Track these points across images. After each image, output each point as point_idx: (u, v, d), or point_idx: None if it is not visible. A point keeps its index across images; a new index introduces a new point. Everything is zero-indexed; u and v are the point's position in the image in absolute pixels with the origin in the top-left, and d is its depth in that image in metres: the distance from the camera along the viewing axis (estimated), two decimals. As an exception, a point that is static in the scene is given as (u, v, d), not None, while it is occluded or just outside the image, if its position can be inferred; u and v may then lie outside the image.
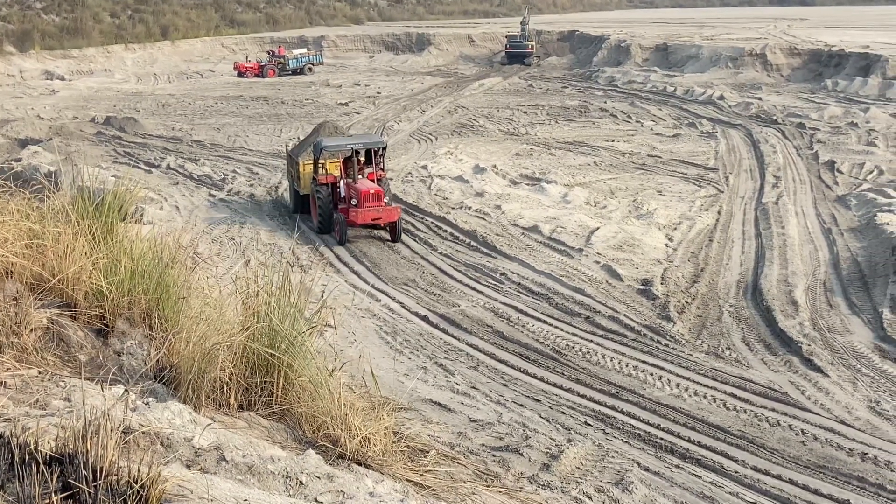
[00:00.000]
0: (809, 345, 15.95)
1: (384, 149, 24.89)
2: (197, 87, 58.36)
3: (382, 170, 24.76)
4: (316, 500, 4.56)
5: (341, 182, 24.02)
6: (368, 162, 24.59)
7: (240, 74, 63.30)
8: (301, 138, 37.47)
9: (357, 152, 24.22)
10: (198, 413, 6.35)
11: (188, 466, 4.39)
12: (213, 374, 7.47)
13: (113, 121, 41.85)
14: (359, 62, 70.14)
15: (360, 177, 23.90)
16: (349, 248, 22.70)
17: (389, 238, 23.38)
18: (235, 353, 7.96)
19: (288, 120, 42.87)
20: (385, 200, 23.23)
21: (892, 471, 11.87)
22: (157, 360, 7.92)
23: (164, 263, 9.62)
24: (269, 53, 65.71)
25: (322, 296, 15.41)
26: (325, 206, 23.79)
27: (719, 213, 25.18)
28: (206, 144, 37.14)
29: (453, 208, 25.58)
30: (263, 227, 24.18)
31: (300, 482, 4.73)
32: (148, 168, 32.49)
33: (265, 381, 8.24)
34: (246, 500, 3.67)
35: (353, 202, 23.22)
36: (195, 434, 4.79)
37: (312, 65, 65.06)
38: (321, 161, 24.21)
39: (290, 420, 8.26)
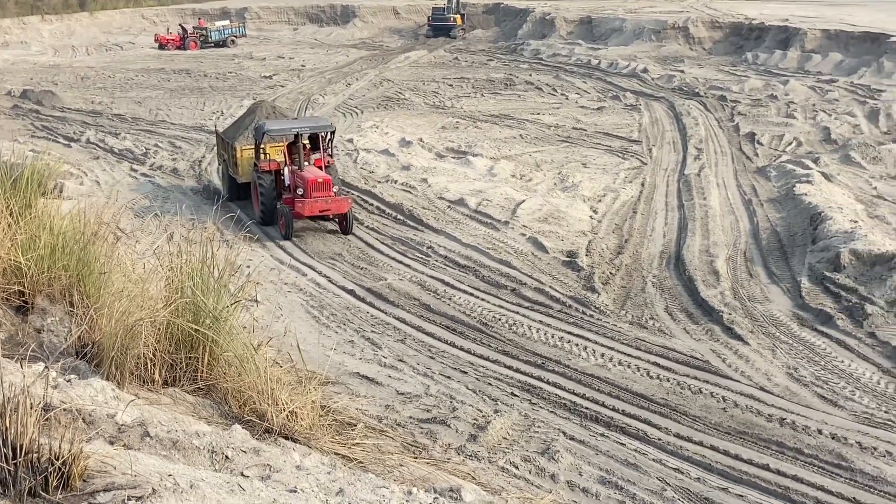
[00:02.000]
0: (730, 314, 16.29)
1: (332, 133, 23.17)
2: (117, 59, 57.09)
3: (330, 156, 22.96)
4: (242, 474, 4.55)
5: (285, 169, 22.12)
6: (315, 147, 22.70)
7: (161, 47, 62.03)
8: (224, 112, 37.02)
9: (300, 136, 22.32)
10: (121, 390, 6.27)
11: (111, 443, 4.34)
12: (136, 350, 7.38)
13: (30, 94, 40.75)
14: (283, 34, 69.23)
15: (306, 163, 22.02)
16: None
17: (339, 230, 21.77)
18: (159, 329, 7.87)
19: (211, 93, 42.21)
20: (335, 189, 21.51)
21: (809, 435, 12.22)
22: (79, 337, 7.78)
23: (86, 239, 9.44)
24: (181, 28, 64.23)
25: (247, 271, 15.29)
26: (268, 197, 22.03)
27: (643, 185, 25.51)
28: (127, 118, 36.41)
29: (379, 182, 25.50)
30: (187, 202, 23.82)
31: (226, 456, 4.71)
32: (67, 142, 31.74)
33: (190, 357, 8.17)
34: (170, 475, 3.64)
35: (300, 192, 21.31)
36: (118, 410, 4.73)
37: (235, 37, 64.01)
38: (262, 146, 22.49)
39: (215, 395, 8.21)
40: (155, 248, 9.07)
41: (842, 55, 44.66)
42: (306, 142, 22.51)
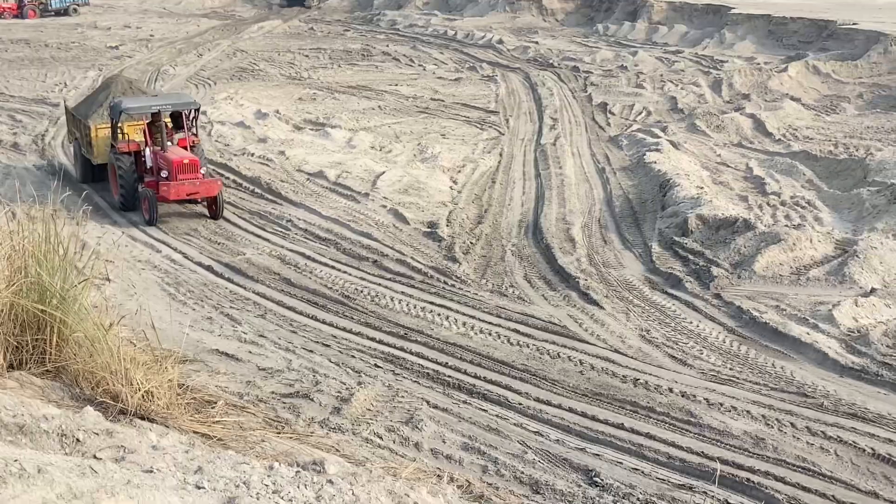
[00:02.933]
0: (586, 279, 16.71)
1: (197, 111, 21.72)
2: (-50, 28, 54.05)
3: (195, 135, 21.59)
4: (94, 457, 4.41)
5: (146, 150, 20.60)
6: (177, 126, 21.27)
7: (-3, 15, 59.06)
8: (68, 84, 35.55)
9: (160, 114, 20.75)
10: (-38, 375, 5.98)
11: (-50, 431, 4.13)
12: (-23, 333, 7.06)
13: None
14: (129, 3, 66.84)
15: (169, 144, 20.60)
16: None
17: (208, 214, 20.57)
18: (2, 311, 7.55)
19: (53, 64, 40.44)
20: (202, 171, 20.24)
21: (660, 394, 12.68)
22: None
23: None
24: None
25: (96, 248, 14.77)
26: (129, 180, 20.50)
27: (501, 155, 25.82)
28: (-37, 91, 34.58)
29: (235, 155, 25.01)
30: (29, 178, 22.79)
31: (77, 439, 4.55)
32: None
33: (37, 339, 7.86)
34: (17, 461, 3.49)
35: (164, 174, 19.96)
36: (-43, 397, 4.51)
37: (77, 5, 61.43)
38: (119, 125, 20.79)
39: (65, 378, 7.93)
40: (-4, 227, 8.69)
41: (686, 27, 46.18)
42: (168, 120, 21.06)
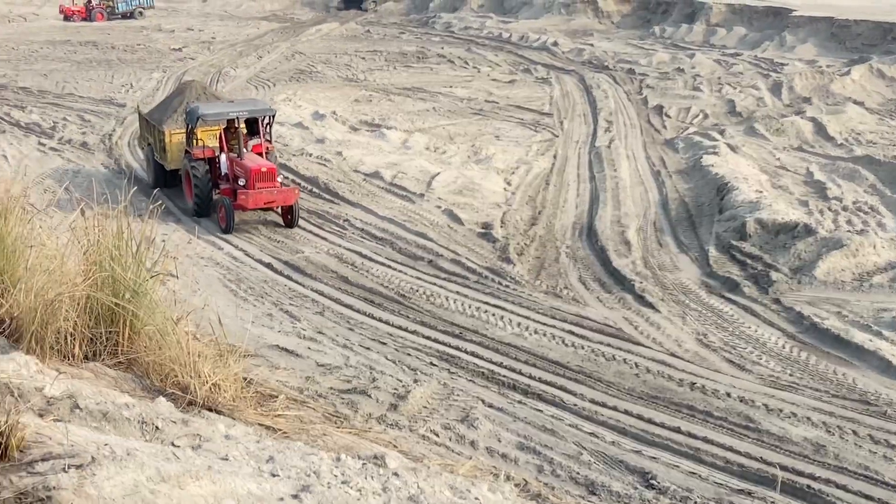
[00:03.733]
0: (641, 282, 16.70)
1: (273, 117, 21.37)
2: (20, 31, 55.29)
3: (269, 141, 21.15)
4: (173, 444, 4.59)
5: (221, 157, 20.42)
6: (251, 132, 20.92)
7: (66, 18, 60.25)
8: (134, 85, 36.24)
9: (236, 121, 20.53)
10: (43, 364, 6.21)
11: (41, 416, 4.33)
12: (56, 325, 7.30)
13: (-74, 65, 39.28)
14: (191, 6, 67.85)
15: (245, 150, 20.44)
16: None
17: (283, 223, 20.15)
18: (79, 304, 7.79)
19: (119, 66, 41.24)
20: (280, 179, 20.04)
21: (718, 398, 12.66)
22: (-5, 314, 7.66)
23: (-4, 214, 9.24)
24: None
25: (162, 245, 15.10)
26: (203, 187, 20.21)
27: (555, 157, 25.84)
28: (34, 91, 35.37)
29: (294, 155, 25.33)
30: (98, 177, 23.31)
31: (156, 427, 4.74)
32: (-32, 116, 30.74)
33: (110, 331, 8.09)
34: (106, 444, 3.67)
35: (241, 182, 19.68)
36: (46, 384, 4.72)
37: (143, 8, 62.50)
38: (194, 130, 20.59)
39: (137, 369, 8.16)
40: (71, 223, 8.96)
41: (745, 29, 45.73)
42: (242, 126, 20.77)
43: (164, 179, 22.26)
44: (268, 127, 21.07)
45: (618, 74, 37.91)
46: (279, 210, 20.25)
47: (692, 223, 20.17)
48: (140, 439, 4.55)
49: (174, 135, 21.62)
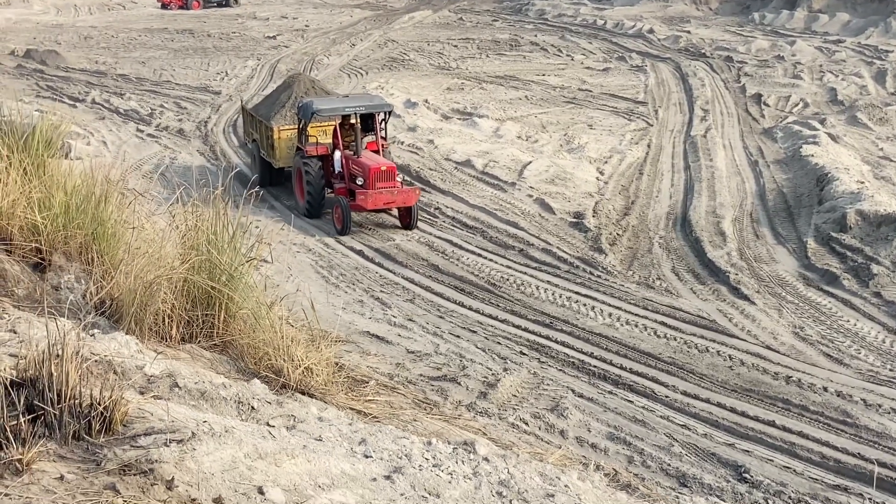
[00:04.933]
0: (737, 274, 16.39)
1: (389, 113, 20.55)
2: (119, 19, 56.82)
3: (384, 138, 20.33)
4: (268, 424, 4.66)
5: (336, 154, 19.69)
6: (366, 128, 19.99)
7: (163, 6, 61.68)
8: (229, 73, 36.92)
9: (352, 117, 19.71)
10: (142, 345, 6.38)
11: (141, 393, 4.45)
12: (155, 306, 7.49)
13: (34, 53, 40.58)
14: (286, -6, 68.80)
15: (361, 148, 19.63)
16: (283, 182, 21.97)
17: (400, 224, 19.34)
18: (176, 287, 7.97)
19: (215, 53, 42.06)
20: (398, 179, 19.21)
21: (814, 392, 12.36)
22: (97, 294, 7.89)
23: (98, 198, 9.52)
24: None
25: (257, 231, 15.38)
26: (317, 186, 19.42)
27: (649, 146, 25.50)
28: (132, 78, 36.32)
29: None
30: (194, 163, 23.86)
31: (252, 407, 4.82)
32: (72, 102, 31.70)
33: (206, 314, 8.27)
34: (206, 422, 3.76)
35: (359, 182, 18.91)
36: (146, 362, 4.84)
37: (238, -3, 63.68)
38: (307, 127, 20.00)
39: (231, 352, 8.33)
40: (169, 207, 9.18)
41: (849, 15, 44.38)
42: (356, 122, 19.82)
43: (271, 177, 21.76)
44: (383, 123, 20.32)
45: (715, 62, 37.19)
46: (395, 211, 19.52)
47: (790, 214, 19.70)
48: (236, 418, 4.64)
49: (283, 131, 21.05)
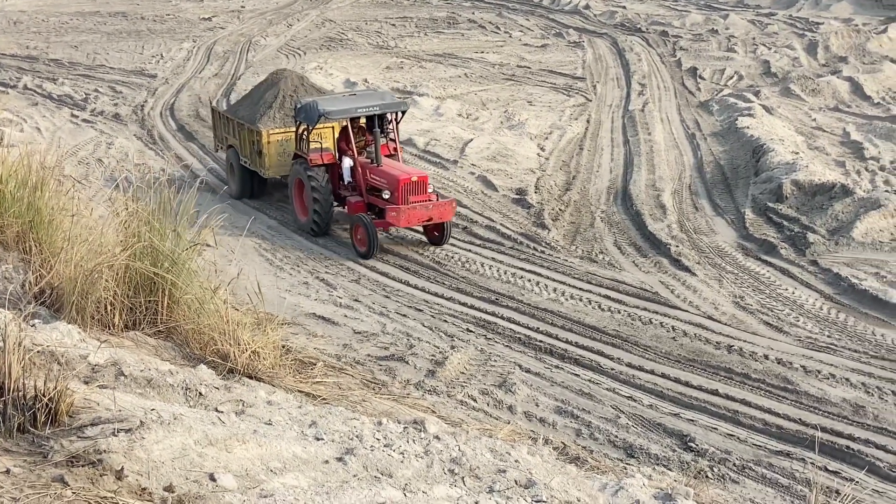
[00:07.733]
0: (677, 246, 16.60)
1: (404, 112, 18.16)
2: (49, 2, 55.53)
3: (394, 140, 17.97)
4: (217, 410, 4.63)
5: (345, 162, 17.30)
6: (372, 129, 17.29)
7: (94, -11, 60.49)
8: (164, 56, 36.33)
9: (375, 118, 17.27)
10: (85, 333, 6.29)
11: (86, 383, 4.39)
12: (96, 294, 7.40)
13: (-41, 40, 39.57)
14: (220, -25, 67.79)
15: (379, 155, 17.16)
16: (224, 164, 21.52)
17: (428, 240, 17.09)
18: (118, 274, 7.88)
19: (150, 36, 41.33)
20: (430, 190, 16.80)
21: (755, 360, 12.59)
22: (36, 283, 7.75)
23: (33, 185, 9.35)
24: None
25: (198, 215, 15.20)
26: (326, 199, 17.03)
27: (588, 121, 25.64)
28: (65, 63, 35.56)
29: (326, 123, 25.30)
30: (132, 147, 23.47)
31: (200, 393, 4.79)
32: (3, 89, 30.95)
33: (149, 301, 8.20)
34: (153, 409, 3.72)
35: (385, 195, 16.37)
36: (90, 352, 4.77)
37: (171, -22, 62.58)
38: (308, 131, 17.46)
39: (176, 338, 8.26)
40: (109, 194, 9.04)
41: (781, -12, 44.95)
42: (363, 123, 17.72)
43: (252, 189, 19.66)
44: (396, 125, 18.01)
45: (651, 37, 37.45)
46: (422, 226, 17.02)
47: (728, 186, 19.98)
48: (184, 405, 4.60)
49: (273, 135, 18.75)
